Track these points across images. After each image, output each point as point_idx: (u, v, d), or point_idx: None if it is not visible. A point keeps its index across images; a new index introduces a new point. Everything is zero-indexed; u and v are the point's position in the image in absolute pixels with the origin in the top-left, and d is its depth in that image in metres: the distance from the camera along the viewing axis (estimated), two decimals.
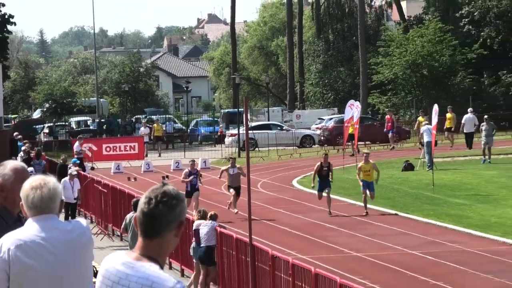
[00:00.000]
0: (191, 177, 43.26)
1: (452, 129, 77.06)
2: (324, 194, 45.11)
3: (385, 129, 79.21)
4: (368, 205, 44.42)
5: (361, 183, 45.18)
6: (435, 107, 57.34)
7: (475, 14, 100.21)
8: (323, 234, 40.92)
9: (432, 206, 46.72)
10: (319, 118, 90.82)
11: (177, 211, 5.69)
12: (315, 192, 47.31)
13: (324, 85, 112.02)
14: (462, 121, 74.86)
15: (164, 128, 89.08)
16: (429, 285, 30.62)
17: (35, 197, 6.75)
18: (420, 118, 74.77)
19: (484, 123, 65.44)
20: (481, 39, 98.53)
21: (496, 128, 68.98)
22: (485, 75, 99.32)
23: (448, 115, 76.46)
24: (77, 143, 67.46)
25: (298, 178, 62.40)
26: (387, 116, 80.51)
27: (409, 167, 61.97)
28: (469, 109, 76.94)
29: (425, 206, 46.89)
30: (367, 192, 44.87)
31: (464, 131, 74.27)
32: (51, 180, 6.93)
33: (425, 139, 61.73)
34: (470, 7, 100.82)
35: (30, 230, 6.79)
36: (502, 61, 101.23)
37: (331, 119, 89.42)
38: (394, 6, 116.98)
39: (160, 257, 5.69)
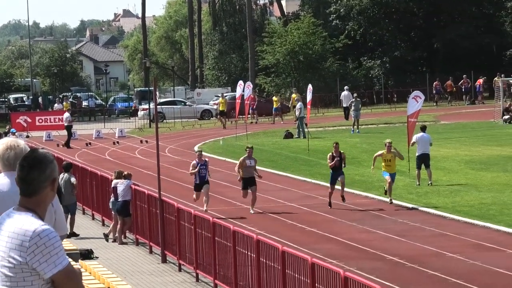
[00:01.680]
0: (198, 168, 33.11)
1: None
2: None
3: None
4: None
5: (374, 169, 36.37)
6: (309, 87, 57.85)
7: (341, 10, 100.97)
8: (221, 190, 40.79)
9: (307, 167, 46.96)
10: (216, 96, 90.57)
11: (47, 172, 5.65)
12: (214, 156, 47.46)
13: (219, 68, 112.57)
14: (341, 97, 76.03)
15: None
16: (305, 231, 30.70)
17: (10, 156, 6.72)
18: (293, 95, 75.91)
19: (353, 100, 66.37)
20: (346, 31, 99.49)
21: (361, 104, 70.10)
22: (349, 61, 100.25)
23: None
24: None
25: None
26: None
27: (289, 135, 62.16)
28: (346, 87, 77.76)
29: (302, 167, 47.11)
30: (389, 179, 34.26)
31: (343, 106, 74.99)
32: (21, 142, 6.86)
33: (297, 113, 62.47)
34: (337, 5, 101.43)
35: (2, 182, 6.83)
36: (363, 49, 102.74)
37: (226, 96, 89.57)
38: (276, 4, 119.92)
39: (38, 208, 5.68)
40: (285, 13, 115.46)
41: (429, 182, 37.83)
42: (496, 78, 76.86)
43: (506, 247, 27.03)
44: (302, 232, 30.44)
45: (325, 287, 17.77)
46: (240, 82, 65.51)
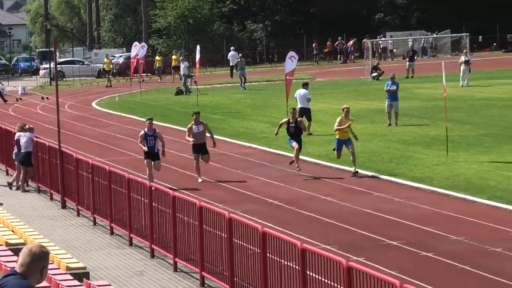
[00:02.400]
0: (144, 139, 27.28)
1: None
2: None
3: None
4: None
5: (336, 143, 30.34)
6: (198, 48, 57.70)
7: None
8: (116, 142, 40.59)
9: None
10: (112, 56, 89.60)
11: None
12: (111, 111, 47.10)
13: (115, 31, 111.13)
14: (228, 57, 76.12)
15: None
16: (195, 178, 30.71)
17: None
18: (173, 57, 77.06)
19: (239, 59, 66.57)
20: None
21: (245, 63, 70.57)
22: (235, 24, 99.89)
23: (174, 57, 77.43)
24: None
25: (96, 100, 61.66)
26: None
27: (179, 92, 61.93)
28: (232, 48, 78.06)
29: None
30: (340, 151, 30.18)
31: (230, 65, 75.02)
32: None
33: (183, 71, 62.60)
34: None
35: None
36: (247, 14, 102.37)
37: (120, 56, 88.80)
38: None
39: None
40: None
41: (308, 133, 38.12)
42: (365, 40, 77.80)
43: (373, 190, 27.55)
44: (192, 180, 30.47)
45: (211, 228, 17.95)
46: (135, 43, 65.12)
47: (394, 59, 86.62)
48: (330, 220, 23.62)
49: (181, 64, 64.99)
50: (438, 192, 24.38)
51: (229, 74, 75.11)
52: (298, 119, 30.74)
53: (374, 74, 64.54)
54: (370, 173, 30.12)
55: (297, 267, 14.73)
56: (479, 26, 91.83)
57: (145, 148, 26.87)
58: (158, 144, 28.01)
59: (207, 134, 30.18)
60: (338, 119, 30.05)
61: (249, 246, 16.63)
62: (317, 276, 14.03)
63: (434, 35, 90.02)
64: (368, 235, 21.91)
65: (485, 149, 33.73)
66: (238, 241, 17.08)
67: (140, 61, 64.28)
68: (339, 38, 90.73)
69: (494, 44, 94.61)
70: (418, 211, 23.96)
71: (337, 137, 30.01)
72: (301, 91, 39.78)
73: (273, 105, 50.96)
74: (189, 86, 61.86)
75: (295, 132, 29.69)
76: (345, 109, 30.20)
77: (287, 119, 30.36)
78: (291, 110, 30.99)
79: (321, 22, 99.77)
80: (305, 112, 39.15)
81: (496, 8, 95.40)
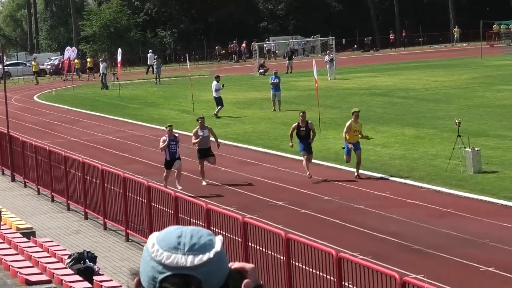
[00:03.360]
0: (167, 143, 22.21)
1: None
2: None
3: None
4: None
5: (345, 147, 23.48)
6: (119, 51, 57.41)
7: None
8: (53, 128, 39.92)
9: (119, 109, 46.36)
10: (49, 58, 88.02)
11: None
12: (49, 103, 46.22)
13: (51, 38, 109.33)
14: (148, 58, 75.04)
15: None
16: (119, 156, 30.42)
17: None
18: (88, 59, 76.72)
19: (155, 60, 66.58)
20: (145, 10, 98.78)
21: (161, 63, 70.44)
22: (148, 31, 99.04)
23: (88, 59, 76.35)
24: None
25: (37, 94, 60.34)
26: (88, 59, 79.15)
27: (103, 87, 60.98)
28: (150, 50, 76.85)
29: (115, 109, 46.46)
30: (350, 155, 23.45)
31: (148, 64, 73.90)
32: None
33: (102, 70, 61.66)
34: None
35: None
36: (158, 23, 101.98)
37: (56, 59, 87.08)
38: None
39: None
40: None
41: (217, 116, 38.63)
42: (253, 43, 77.93)
43: (261, 162, 27.75)
44: (117, 157, 30.17)
45: (134, 194, 17.94)
46: (68, 48, 64.27)
47: (277, 58, 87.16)
48: (228, 187, 23.72)
49: (101, 64, 64.01)
50: (314, 163, 24.61)
51: (145, 71, 74.27)
52: (309, 122, 23.75)
53: (261, 70, 64.86)
54: (259, 149, 30.29)
55: (203, 224, 14.80)
56: (343, 31, 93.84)
57: (168, 157, 21.98)
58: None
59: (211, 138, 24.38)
60: (347, 124, 23.45)
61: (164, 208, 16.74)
62: (218, 230, 14.12)
63: (307, 39, 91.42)
64: (259, 197, 22.08)
65: None
66: (155, 205, 17.13)
67: (71, 62, 63.64)
68: (233, 42, 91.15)
69: (355, 45, 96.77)
70: (298, 178, 24.16)
71: (347, 141, 23.25)
72: (214, 83, 40.23)
73: (181, 96, 50.78)
74: (110, 82, 60.98)
75: (306, 135, 23.21)
76: (355, 113, 23.42)
77: (296, 123, 23.45)
78: (301, 113, 23.78)
79: (218, 29, 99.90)
80: (217, 99, 39.58)
81: (357, 18, 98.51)
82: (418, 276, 13.63)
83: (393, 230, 17.81)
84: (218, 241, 1.68)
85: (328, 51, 65.37)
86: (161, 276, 1.61)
